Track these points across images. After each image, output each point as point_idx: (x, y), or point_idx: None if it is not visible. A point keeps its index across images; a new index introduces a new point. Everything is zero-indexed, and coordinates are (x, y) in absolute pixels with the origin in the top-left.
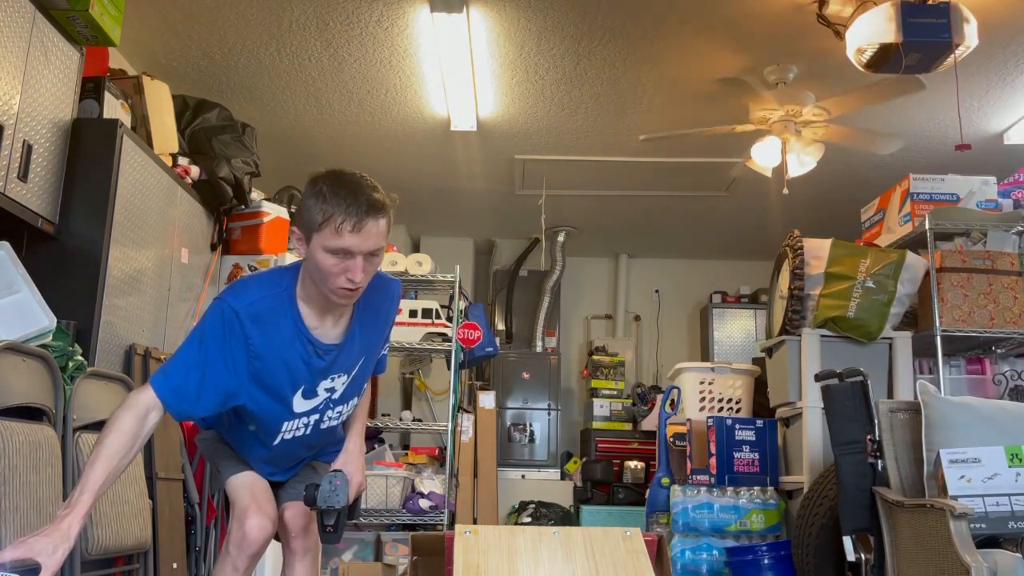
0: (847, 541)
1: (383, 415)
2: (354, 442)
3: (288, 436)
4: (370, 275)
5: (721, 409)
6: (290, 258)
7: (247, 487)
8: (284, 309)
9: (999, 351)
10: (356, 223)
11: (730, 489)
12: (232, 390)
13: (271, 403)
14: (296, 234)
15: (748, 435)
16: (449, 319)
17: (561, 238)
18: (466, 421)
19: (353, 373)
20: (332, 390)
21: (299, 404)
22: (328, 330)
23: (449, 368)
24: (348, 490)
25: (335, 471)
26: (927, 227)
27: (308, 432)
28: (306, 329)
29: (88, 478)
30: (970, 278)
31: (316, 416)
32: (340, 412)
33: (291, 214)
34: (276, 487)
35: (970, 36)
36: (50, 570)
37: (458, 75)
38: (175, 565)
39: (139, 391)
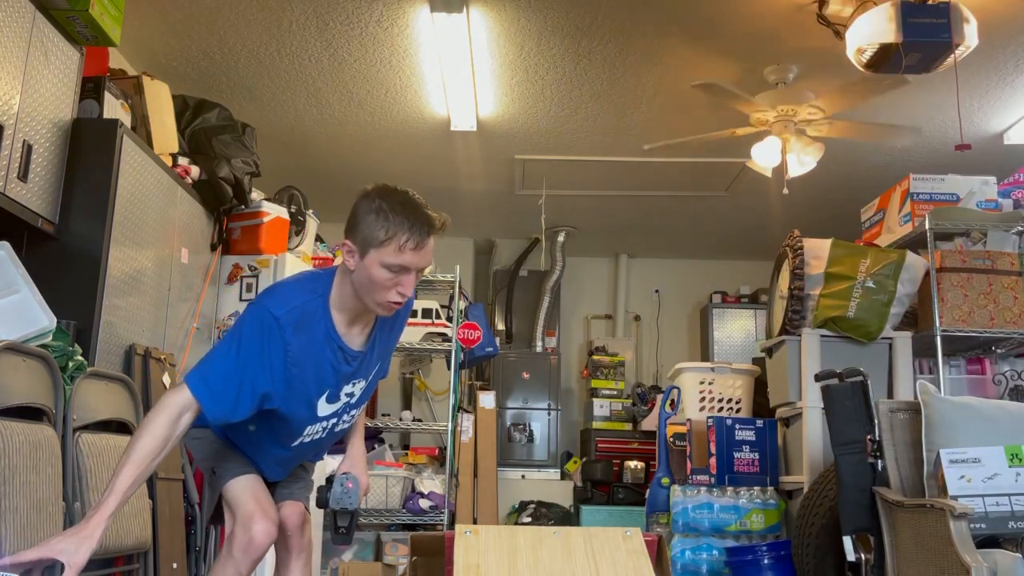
0: (847, 541)
1: (383, 415)
2: (357, 446)
3: (307, 439)
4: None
5: (721, 409)
6: (290, 258)
7: (250, 491)
8: (319, 316)
9: (999, 351)
10: (418, 242)
11: (730, 489)
12: (268, 394)
13: (300, 407)
14: (348, 247)
15: (748, 435)
16: (449, 319)
17: (561, 238)
18: (466, 421)
19: (370, 378)
20: (351, 395)
21: (323, 408)
22: (355, 337)
23: (449, 368)
24: (359, 492)
25: (345, 473)
26: (927, 227)
27: (324, 435)
28: (338, 336)
29: (116, 480)
30: (970, 278)
31: (334, 420)
32: (352, 415)
33: (293, 218)
34: (271, 487)
35: (970, 36)
36: (73, 569)
37: (458, 75)
38: (175, 565)
39: (174, 392)
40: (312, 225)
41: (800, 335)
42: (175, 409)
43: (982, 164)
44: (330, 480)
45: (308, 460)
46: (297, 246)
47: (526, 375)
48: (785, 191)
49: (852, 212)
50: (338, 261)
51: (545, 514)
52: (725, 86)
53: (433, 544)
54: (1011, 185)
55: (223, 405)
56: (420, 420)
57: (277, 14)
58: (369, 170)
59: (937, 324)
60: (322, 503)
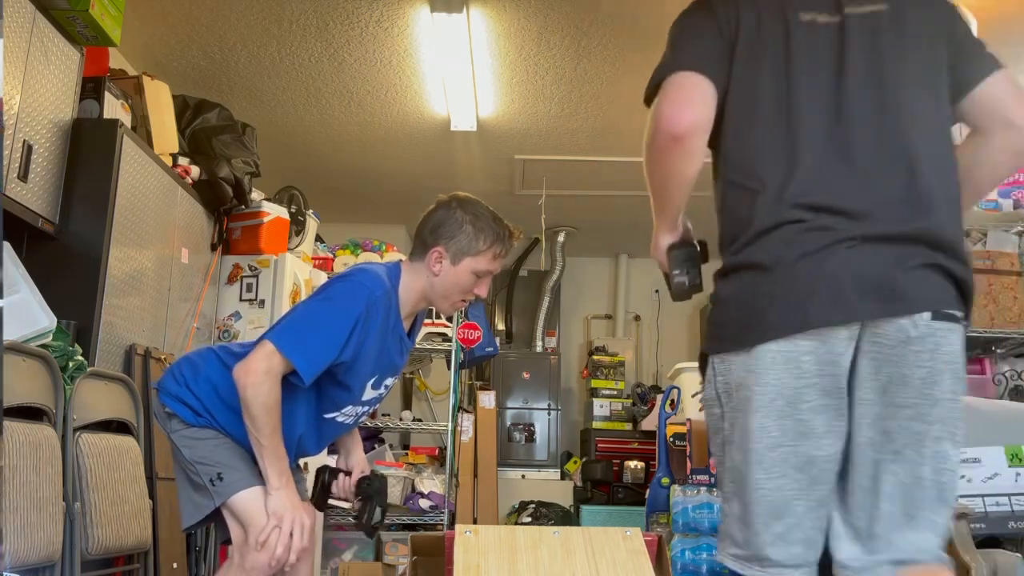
0: None
1: (383, 415)
2: (360, 443)
3: (339, 419)
4: None
5: None
6: (290, 258)
7: (263, 504)
8: (394, 306)
9: (999, 351)
10: (507, 251)
11: None
12: (341, 361)
13: (356, 381)
14: (439, 254)
15: None
16: (449, 319)
17: (561, 238)
18: (466, 421)
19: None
20: (387, 387)
21: (368, 393)
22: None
23: (449, 368)
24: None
25: (380, 474)
26: None
27: (351, 421)
28: (403, 328)
29: (271, 455)
30: None
31: (367, 408)
32: (370, 411)
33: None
34: None
35: None
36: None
37: (458, 75)
38: (175, 565)
39: (268, 356)
40: (312, 225)
41: None
42: (276, 373)
43: None
44: (368, 478)
45: (311, 452)
46: (297, 246)
47: (526, 375)
48: None
49: None
50: (340, 262)
51: (545, 514)
52: None
53: (433, 544)
54: (1011, 185)
55: (315, 372)
56: (420, 420)
57: (277, 14)
58: (369, 170)
59: None
60: (368, 495)
